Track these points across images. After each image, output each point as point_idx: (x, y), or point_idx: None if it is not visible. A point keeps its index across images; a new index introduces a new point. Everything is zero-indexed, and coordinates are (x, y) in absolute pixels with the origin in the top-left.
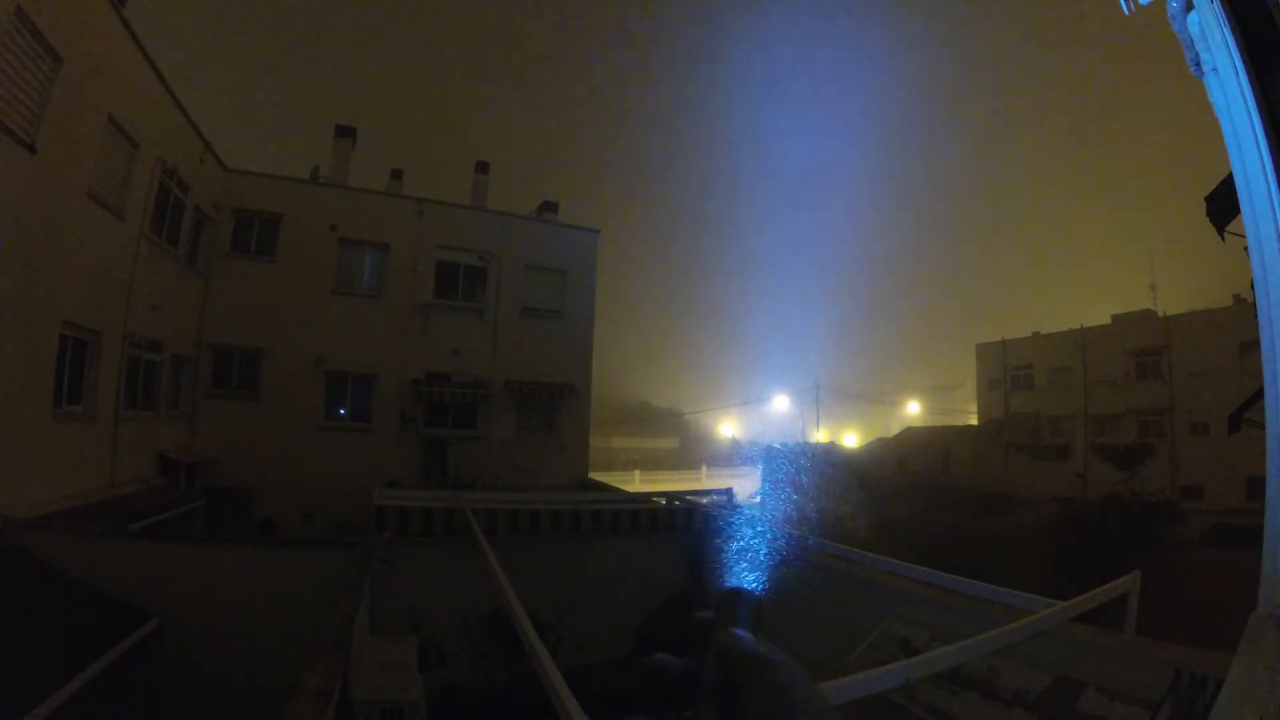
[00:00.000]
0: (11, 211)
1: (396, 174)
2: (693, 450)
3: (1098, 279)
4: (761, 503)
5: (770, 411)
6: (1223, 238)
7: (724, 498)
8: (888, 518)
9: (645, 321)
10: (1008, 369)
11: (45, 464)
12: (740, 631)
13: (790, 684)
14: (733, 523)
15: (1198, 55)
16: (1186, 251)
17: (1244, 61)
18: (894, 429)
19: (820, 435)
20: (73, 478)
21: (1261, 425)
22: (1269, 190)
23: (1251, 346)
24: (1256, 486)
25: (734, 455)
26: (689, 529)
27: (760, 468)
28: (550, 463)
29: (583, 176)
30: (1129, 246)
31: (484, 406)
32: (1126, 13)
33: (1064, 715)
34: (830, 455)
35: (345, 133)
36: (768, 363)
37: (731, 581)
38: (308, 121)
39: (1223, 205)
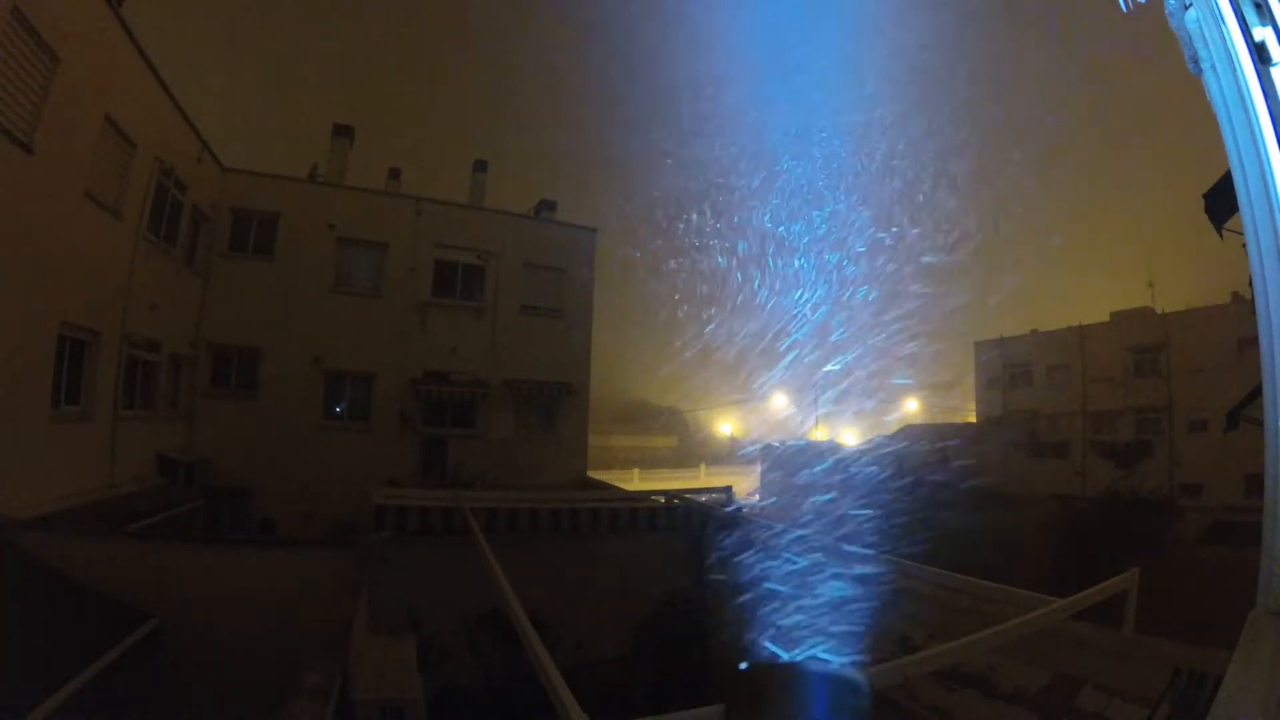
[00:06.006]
0: (9, 212)
1: (394, 173)
2: (692, 448)
3: (1096, 276)
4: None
5: (769, 409)
6: (1221, 235)
7: (723, 495)
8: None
9: (644, 319)
10: (1006, 366)
11: (43, 464)
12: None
13: None
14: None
15: (1196, 53)
16: (1185, 249)
17: (1243, 59)
18: (893, 426)
19: (819, 433)
20: (71, 478)
21: (1260, 422)
22: (1267, 188)
23: (1250, 344)
24: (1255, 484)
25: (733, 453)
26: (688, 527)
27: (760, 465)
28: (549, 461)
29: (582, 175)
30: (1127, 244)
31: (483, 405)
32: (1125, 10)
33: (1063, 712)
34: (831, 452)
35: (343, 132)
36: (766, 360)
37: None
38: (306, 121)
39: (1221, 203)
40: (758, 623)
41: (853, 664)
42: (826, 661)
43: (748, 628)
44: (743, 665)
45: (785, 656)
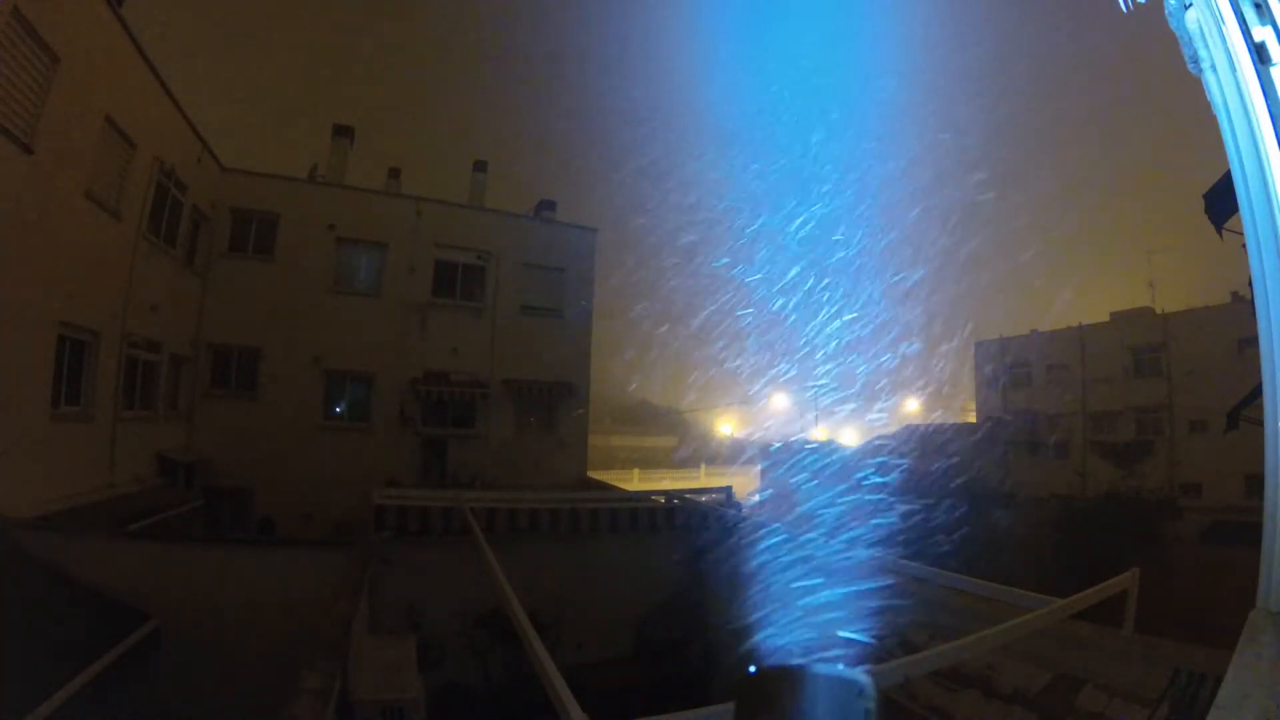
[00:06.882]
0: (9, 212)
1: (394, 173)
2: (691, 449)
3: (1096, 276)
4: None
5: (769, 410)
6: (1221, 235)
7: (723, 496)
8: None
9: (644, 320)
10: (1006, 366)
11: (44, 464)
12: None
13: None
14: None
15: (1196, 53)
16: (1185, 249)
17: (1242, 59)
18: (892, 427)
19: (819, 433)
20: (71, 478)
21: (1260, 423)
22: (1267, 188)
23: (1250, 344)
24: (1255, 484)
25: (733, 454)
26: (688, 527)
27: (760, 466)
28: (549, 461)
29: (583, 174)
30: (1127, 244)
31: (483, 405)
32: (1125, 10)
33: (1063, 712)
34: (831, 453)
35: (343, 132)
36: (766, 361)
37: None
38: (306, 121)
39: (1221, 203)
40: (759, 623)
41: (858, 666)
42: (833, 664)
43: (750, 628)
44: (752, 669)
45: (790, 659)
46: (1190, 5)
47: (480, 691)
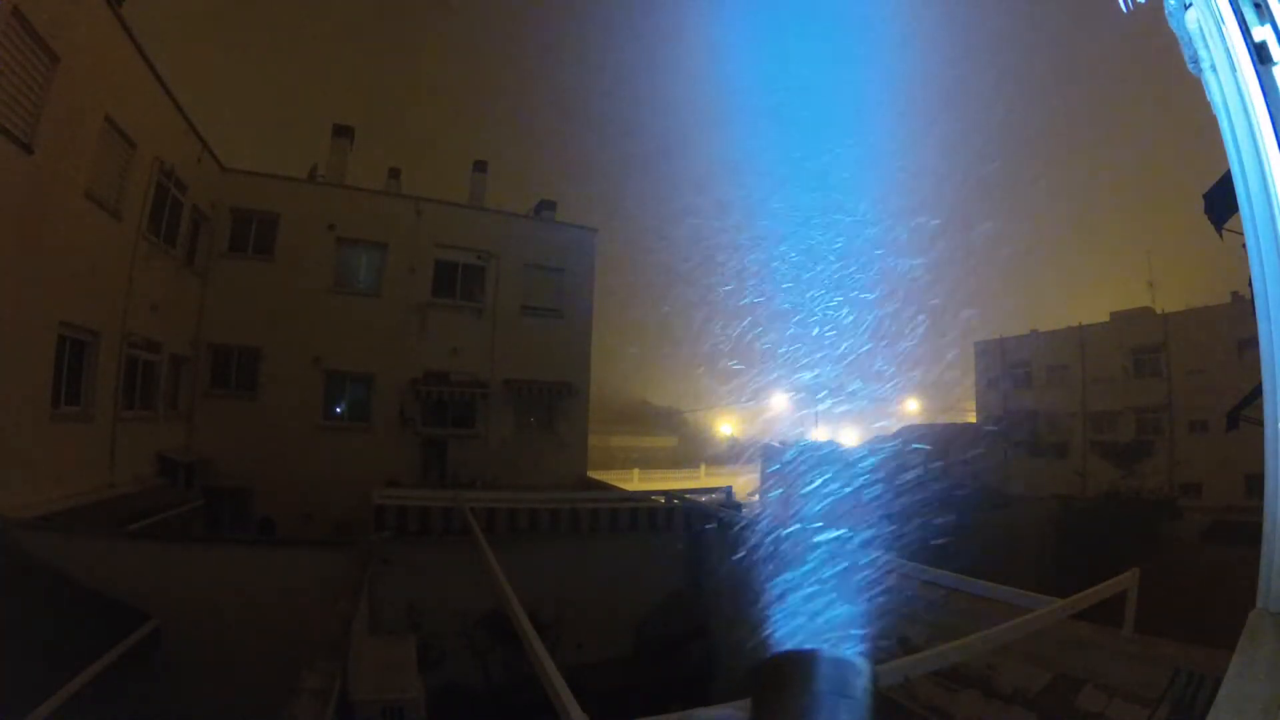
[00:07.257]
0: (8, 212)
1: (394, 173)
2: (691, 449)
3: (1096, 276)
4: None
5: (768, 410)
6: (1221, 235)
7: (723, 496)
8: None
9: (644, 320)
10: (1006, 367)
11: (44, 464)
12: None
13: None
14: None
15: (1196, 53)
16: (1185, 249)
17: (1242, 59)
18: (892, 427)
19: (819, 434)
20: (71, 478)
21: (1260, 423)
22: (1267, 188)
23: (1250, 344)
24: (1255, 484)
25: (733, 454)
26: (688, 527)
27: (760, 465)
28: (549, 461)
29: (582, 174)
30: (1127, 244)
31: (483, 405)
32: (1125, 10)
33: (1063, 713)
34: (831, 453)
35: (343, 132)
36: (766, 361)
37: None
38: (306, 121)
39: (1221, 203)
40: (759, 622)
41: (857, 653)
42: (835, 650)
43: (750, 627)
44: (766, 656)
45: (795, 649)
46: (1190, 5)
47: (480, 691)
